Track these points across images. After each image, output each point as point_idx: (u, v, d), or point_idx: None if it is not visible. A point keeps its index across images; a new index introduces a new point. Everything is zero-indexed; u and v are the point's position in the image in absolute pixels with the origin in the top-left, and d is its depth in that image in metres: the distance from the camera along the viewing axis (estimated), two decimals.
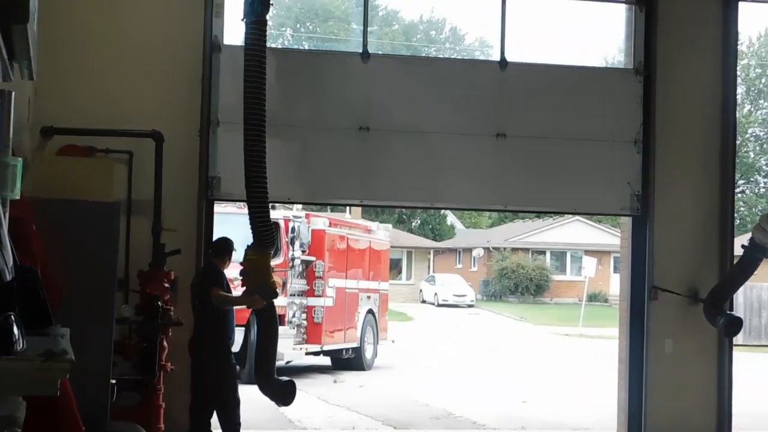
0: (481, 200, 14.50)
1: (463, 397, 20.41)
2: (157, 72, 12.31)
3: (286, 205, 22.22)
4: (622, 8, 14.06)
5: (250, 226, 11.36)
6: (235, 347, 12.56)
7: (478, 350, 33.17)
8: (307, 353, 23.69)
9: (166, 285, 11.21)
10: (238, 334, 15.53)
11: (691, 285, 13.57)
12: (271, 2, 11.47)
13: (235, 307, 11.90)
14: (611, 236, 57.21)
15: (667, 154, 13.60)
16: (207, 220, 12.51)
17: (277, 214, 22.12)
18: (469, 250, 73.13)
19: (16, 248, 4.66)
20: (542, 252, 68.24)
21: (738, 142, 14.12)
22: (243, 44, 11.39)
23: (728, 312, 13.54)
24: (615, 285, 52.81)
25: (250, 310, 13.96)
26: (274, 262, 20.93)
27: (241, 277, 11.66)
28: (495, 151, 13.39)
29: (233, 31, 12.48)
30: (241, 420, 11.66)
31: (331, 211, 34.47)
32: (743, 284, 14.53)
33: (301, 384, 20.41)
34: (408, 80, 13.37)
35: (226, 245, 11.83)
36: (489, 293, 66.94)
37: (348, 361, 25.49)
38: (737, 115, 14.60)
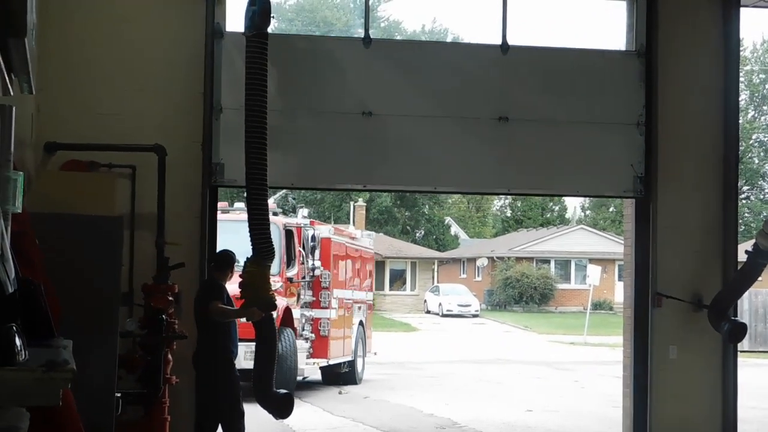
0: (485, 184, 14.56)
1: (467, 407, 20.40)
2: (158, 86, 12.32)
3: (290, 213, 22.10)
4: None
5: (249, 238, 11.41)
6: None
7: (483, 360, 33.14)
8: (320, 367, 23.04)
9: (170, 298, 11.23)
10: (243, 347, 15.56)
11: (695, 291, 13.55)
12: (272, 15, 11.53)
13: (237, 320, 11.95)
14: (615, 244, 57.26)
15: (670, 136, 13.58)
16: (210, 227, 12.49)
17: (286, 221, 22.22)
18: (473, 260, 73.18)
19: (18, 262, 4.69)
20: (546, 261, 68.26)
21: (742, 148, 14.09)
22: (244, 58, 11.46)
23: (733, 318, 13.53)
24: (619, 293, 52.80)
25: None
26: (290, 273, 21.10)
27: (239, 290, 11.63)
28: (497, 134, 13.39)
29: (235, 19, 12.40)
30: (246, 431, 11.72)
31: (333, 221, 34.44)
32: (747, 290, 14.53)
33: (306, 395, 20.52)
34: (410, 65, 13.37)
35: (226, 258, 11.86)
36: (493, 303, 66.96)
37: (340, 376, 24.48)
38: (740, 121, 14.57)
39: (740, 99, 14.49)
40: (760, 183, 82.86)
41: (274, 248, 11.59)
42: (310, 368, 22.51)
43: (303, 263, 21.98)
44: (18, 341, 3.87)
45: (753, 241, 13.86)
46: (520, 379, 27.34)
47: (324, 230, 23.79)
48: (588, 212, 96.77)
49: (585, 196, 17.22)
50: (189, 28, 12.38)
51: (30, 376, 3.76)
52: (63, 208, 9.80)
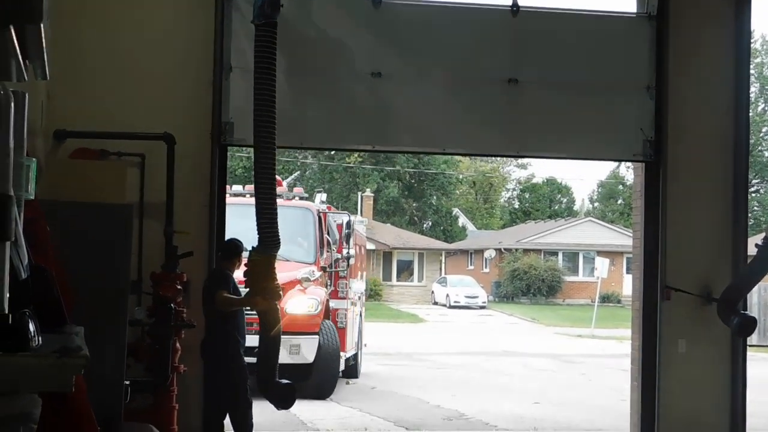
0: (494, 146, 14.57)
1: (474, 399, 20.40)
2: (168, 74, 12.32)
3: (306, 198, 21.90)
4: None
5: (256, 225, 11.37)
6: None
7: (491, 351, 33.15)
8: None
9: (179, 287, 11.24)
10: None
11: (704, 284, 13.52)
12: (281, 4, 11.51)
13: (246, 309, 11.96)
14: (623, 237, 57.26)
15: (681, 101, 13.56)
16: (219, 215, 12.49)
17: (317, 206, 21.87)
18: (480, 251, 73.23)
19: (30, 248, 4.69)
20: (554, 253, 68.32)
21: (752, 141, 14.04)
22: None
23: (742, 312, 13.50)
24: (628, 286, 52.80)
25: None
26: (324, 260, 20.87)
27: (244, 278, 11.65)
28: (507, 96, 13.36)
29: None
30: (254, 422, 11.72)
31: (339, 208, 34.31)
32: (757, 284, 14.50)
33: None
34: (420, 26, 13.30)
35: (233, 247, 11.86)
36: (501, 294, 67.05)
37: (347, 369, 23.20)
38: (751, 114, 14.50)
39: (750, 91, 14.37)
40: None
41: (279, 236, 11.49)
42: None
43: (330, 251, 21.65)
44: (31, 327, 3.89)
45: (763, 234, 13.81)
46: (527, 372, 27.34)
47: (344, 216, 23.35)
48: (596, 204, 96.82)
49: (594, 159, 17.04)
50: (200, 14, 12.37)
51: (44, 361, 3.77)
52: (73, 196, 9.80)
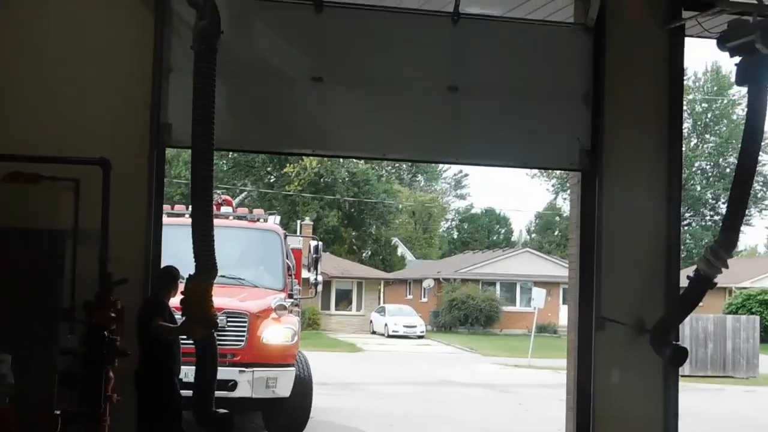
0: (434, 152, 14.47)
1: (411, 429, 20.36)
2: (104, 96, 12.20)
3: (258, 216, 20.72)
4: None
5: (192, 251, 11.22)
6: None
7: (428, 381, 33.11)
8: None
9: (113, 315, 11.10)
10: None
11: (638, 315, 13.60)
12: (221, 31, 11.45)
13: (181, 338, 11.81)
14: (560, 268, 57.66)
15: (617, 112, 13.66)
16: (155, 241, 12.36)
17: (275, 227, 20.55)
18: (419, 281, 73.35)
19: None
20: (492, 283, 68.65)
21: (684, 175, 14.23)
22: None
23: (674, 342, 13.60)
24: (564, 316, 53.14)
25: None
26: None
27: (180, 306, 11.41)
28: (447, 104, 13.37)
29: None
30: None
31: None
32: (689, 315, 14.62)
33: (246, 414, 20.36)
34: (360, 31, 13.32)
35: (168, 274, 11.73)
36: (439, 324, 67.15)
37: None
38: (684, 149, 14.65)
39: (683, 127, 14.52)
40: (702, 210, 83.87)
41: (216, 262, 11.31)
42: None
43: (290, 276, 20.55)
44: None
45: (695, 267, 13.95)
46: (464, 401, 27.34)
47: (295, 241, 23.02)
48: (534, 235, 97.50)
49: (532, 168, 16.86)
50: (136, 40, 12.29)
51: None
52: (5, 220, 9.70)
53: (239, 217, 20.07)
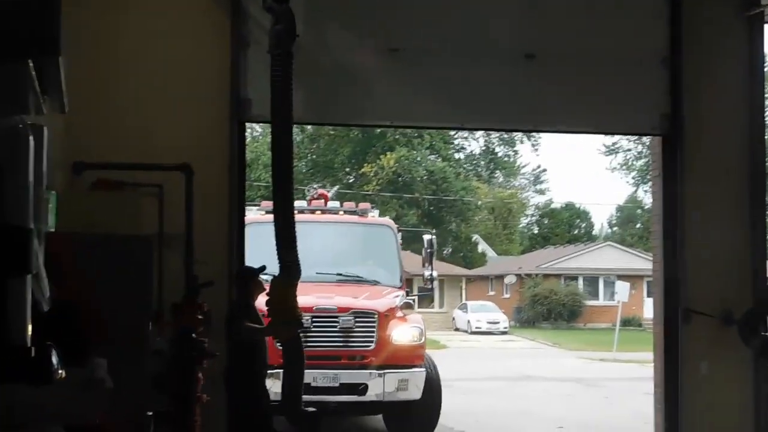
0: (512, 121, 14.51)
1: (497, 424, 20.33)
2: (186, 104, 12.37)
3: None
4: None
5: (276, 252, 11.26)
6: None
7: (513, 376, 33.02)
8: None
9: (200, 317, 11.24)
10: None
11: (724, 306, 13.46)
12: (297, 35, 11.52)
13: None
14: (644, 261, 57.06)
15: (697, 75, 13.56)
16: (239, 241, 12.47)
17: (389, 221, 20.09)
18: (500, 277, 73.12)
19: (53, 281, 4.72)
20: (574, 278, 68.22)
21: None
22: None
23: (764, 333, 13.44)
24: (648, 309, 52.63)
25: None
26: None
27: (266, 308, 11.50)
28: (524, 71, 13.37)
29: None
30: None
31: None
32: None
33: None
34: (436, 1, 13.39)
35: (245, 275, 11.84)
36: (522, 320, 66.92)
37: None
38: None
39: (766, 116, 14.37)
40: None
41: (299, 263, 11.32)
42: None
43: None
44: (54, 360, 3.90)
45: None
46: (550, 396, 27.22)
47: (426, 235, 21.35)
48: (615, 228, 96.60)
49: (611, 133, 16.50)
50: (216, 42, 12.44)
51: (68, 394, 3.77)
52: (92, 228, 9.84)
53: (349, 212, 19.51)
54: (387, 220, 20.35)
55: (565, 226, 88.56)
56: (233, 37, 12.48)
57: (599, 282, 68.24)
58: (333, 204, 20.02)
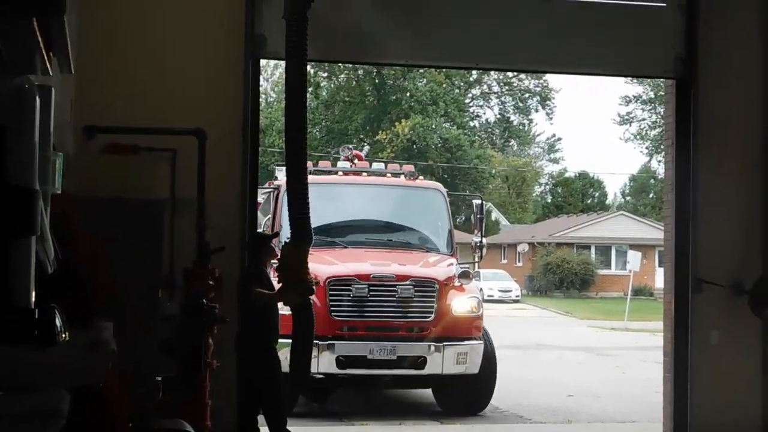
0: (528, 62, 14.46)
1: (509, 392, 20.33)
2: (199, 68, 12.31)
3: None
4: None
5: (288, 218, 11.11)
6: None
7: (525, 345, 33.05)
8: None
9: (211, 282, 11.25)
10: None
11: (735, 276, 13.43)
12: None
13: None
14: (656, 230, 56.97)
15: (713, 19, 13.45)
16: (251, 202, 12.44)
17: (437, 185, 19.28)
18: (513, 245, 73.13)
19: (59, 243, 4.71)
20: (587, 247, 68.21)
21: None
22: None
23: None
24: (660, 279, 52.60)
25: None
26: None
27: (277, 273, 11.33)
28: (541, 13, 13.34)
29: None
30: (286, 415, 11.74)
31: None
32: None
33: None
34: None
35: (257, 241, 11.81)
36: (534, 288, 66.99)
37: None
38: None
39: None
40: None
41: (311, 229, 11.05)
42: None
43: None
44: (58, 322, 3.89)
45: None
46: (561, 364, 27.26)
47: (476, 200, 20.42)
48: (628, 198, 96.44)
49: (624, 76, 16.35)
50: (231, 12, 12.37)
51: (72, 356, 3.77)
52: (104, 191, 9.86)
53: (395, 174, 18.83)
54: (437, 184, 19.60)
55: (579, 195, 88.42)
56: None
57: (611, 251, 68.25)
58: (378, 166, 19.36)
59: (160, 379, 9.67)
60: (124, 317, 6.37)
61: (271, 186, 17.86)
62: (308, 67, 11.30)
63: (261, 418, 11.76)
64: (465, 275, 16.16)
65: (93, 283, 5.35)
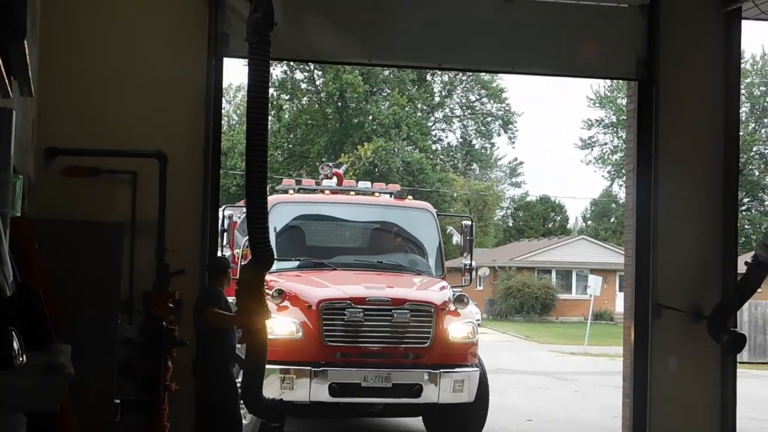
0: (489, 62, 14.57)
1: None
2: (160, 91, 12.29)
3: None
4: None
5: (248, 239, 11.00)
6: None
7: (486, 370, 32.98)
8: None
9: (171, 305, 11.21)
10: None
11: (694, 302, 13.53)
12: (275, 23, 11.41)
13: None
14: (616, 255, 57.26)
15: (674, 20, 13.62)
16: (212, 229, 12.42)
17: (426, 205, 18.62)
18: (474, 269, 73.11)
19: (17, 266, 4.69)
20: (548, 271, 68.34)
21: (742, 160, 13.89)
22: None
23: (732, 329, 13.51)
24: (620, 303, 52.85)
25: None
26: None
27: (235, 297, 11.30)
28: (503, 13, 13.43)
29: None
30: None
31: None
32: (747, 301, 14.52)
33: None
34: None
35: (218, 264, 11.79)
36: (495, 312, 66.98)
37: None
38: (741, 133, 14.53)
39: (741, 111, 14.41)
40: (760, 195, 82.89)
41: (272, 252, 11.14)
42: None
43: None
44: (15, 345, 3.86)
45: (753, 252, 13.84)
46: (520, 389, 27.25)
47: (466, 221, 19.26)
48: (589, 222, 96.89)
49: (587, 77, 16.52)
50: (192, 33, 12.36)
51: (28, 380, 3.74)
52: (64, 214, 9.82)
53: (383, 194, 17.99)
54: (426, 203, 18.81)
55: (540, 219, 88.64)
56: (210, 23, 12.38)
57: (572, 275, 68.43)
58: (364, 184, 18.59)
59: (118, 401, 9.64)
60: (82, 340, 6.33)
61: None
62: (270, 90, 11.26)
63: None
64: (460, 300, 15.37)
65: (51, 306, 5.32)
